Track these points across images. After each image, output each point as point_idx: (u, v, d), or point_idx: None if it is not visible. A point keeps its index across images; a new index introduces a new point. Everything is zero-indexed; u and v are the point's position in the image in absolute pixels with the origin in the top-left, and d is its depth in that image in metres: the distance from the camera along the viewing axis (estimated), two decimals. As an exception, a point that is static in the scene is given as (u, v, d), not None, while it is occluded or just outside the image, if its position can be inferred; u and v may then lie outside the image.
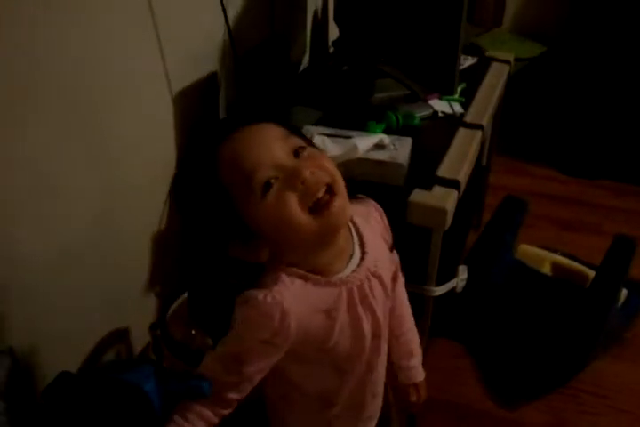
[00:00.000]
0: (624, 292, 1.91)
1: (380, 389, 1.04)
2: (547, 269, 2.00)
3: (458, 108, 1.68)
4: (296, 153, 0.78)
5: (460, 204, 1.36)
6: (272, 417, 1.05)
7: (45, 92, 0.99)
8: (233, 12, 1.50)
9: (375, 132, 1.45)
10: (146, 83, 1.25)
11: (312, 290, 0.83)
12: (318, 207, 0.76)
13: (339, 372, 0.92)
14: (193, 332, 1.31)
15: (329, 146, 1.32)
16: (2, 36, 0.88)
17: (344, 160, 1.31)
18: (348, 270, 0.86)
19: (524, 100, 2.85)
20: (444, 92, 1.66)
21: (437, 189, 1.31)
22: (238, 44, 1.49)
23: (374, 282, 0.89)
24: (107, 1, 1.09)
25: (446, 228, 1.29)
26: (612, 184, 2.83)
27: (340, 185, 0.79)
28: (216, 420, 0.83)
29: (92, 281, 1.19)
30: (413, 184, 1.32)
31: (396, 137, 1.40)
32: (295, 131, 0.84)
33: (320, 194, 0.76)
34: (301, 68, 1.99)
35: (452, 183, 1.33)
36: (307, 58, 2.03)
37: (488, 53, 2.09)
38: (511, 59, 2.06)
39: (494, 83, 1.87)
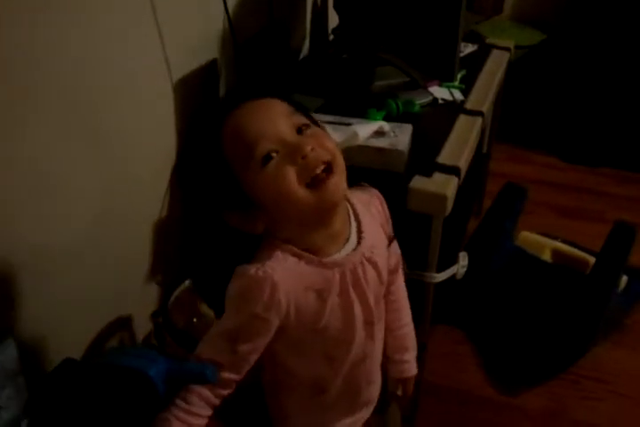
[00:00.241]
0: (624, 278, 1.92)
1: (376, 376, 1.05)
2: (547, 256, 2.01)
3: (458, 95, 1.68)
4: (299, 130, 0.80)
5: (461, 191, 1.36)
6: (270, 403, 1.06)
7: (45, 89, 0.98)
8: (232, 0, 1.50)
9: (375, 119, 1.45)
10: (145, 72, 1.25)
11: (305, 268, 0.84)
12: (315, 182, 0.77)
13: (329, 359, 0.93)
14: (194, 320, 1.32)
15: (329, 133, 1.32)
16: (2, 36, 0.88)
17: (344, 147, 1.31)
18: (342, 254, 0.87)
19: (525, 88, 2.85)
20: (445, 80, 1.66)
21: (438, 176, 1.31)
22: (238, 31, 1.49)
23: (368, 268, 0.90)
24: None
25: (447, 214, 1.30)
26: (613, 172, 2.83)
27: (339, 164, 0.80)
28: (217, 401, 0.84)
29: (95, 273, 1.20)
30: (414, 171, 1.32)
31: (397, 124, 1.39)
32: (301, 108, 0.85)
33: (318, 171, 0.78)
34: (301, 56, 1.98)
35: (452, 170, 1.33)
36: (306, 45, 2.03)
37: (488, 40, 2.09)
38: (511, 46, 2.06)
39: (494, 70, 1.87)
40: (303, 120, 0.82)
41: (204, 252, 1.38)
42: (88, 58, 1.07)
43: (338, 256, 0.87)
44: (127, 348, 0.95)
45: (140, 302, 1.37)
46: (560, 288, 1.85)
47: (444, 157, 1.37)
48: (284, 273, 0.82)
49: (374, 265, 0.90)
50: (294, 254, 0.84)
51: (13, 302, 1.01)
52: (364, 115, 1.47)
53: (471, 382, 1.84)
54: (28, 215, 1.01)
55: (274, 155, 0.77)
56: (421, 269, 1.37)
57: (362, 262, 0.89)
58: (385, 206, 1.00)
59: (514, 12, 3.17)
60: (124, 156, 1.22)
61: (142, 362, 0.76)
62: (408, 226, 1.35)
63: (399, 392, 1.14)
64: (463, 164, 1.37)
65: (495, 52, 1.99)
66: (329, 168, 0.78)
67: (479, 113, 1.59)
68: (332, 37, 1.97)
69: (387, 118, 1.47)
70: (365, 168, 1.32)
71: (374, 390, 1.07)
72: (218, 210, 0.85)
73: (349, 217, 0.90)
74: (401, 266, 1.07)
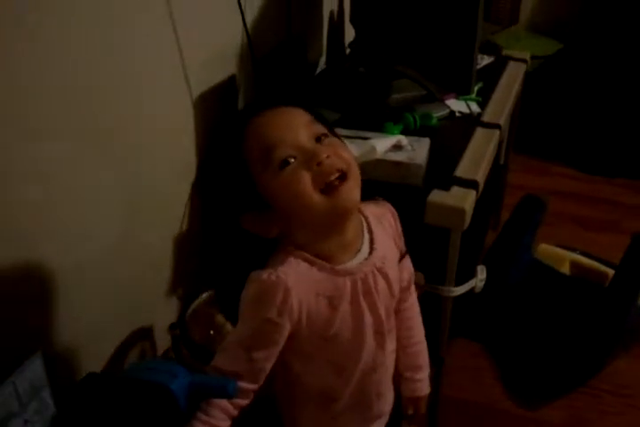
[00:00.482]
0: (644, 291, 1.90)
1: (387, 389, 1.05)
2: (566, 269, 1.99)
3: (475, 108, 1.68)
4: (318, 139, 0.82)
5: (478, 203, 1.36)
6: (283, 414, 1.07)
7: (63, 106, 1.00)
8: (250, 16, 1.51)
9: (393, 133, 1.46)
10: (166, 89, 1.27)
11: (317, 274, 0.85)
12: (329, 189, 0.80)
13: (339, 368, 0.93)
14: (211, 332, 1.32)
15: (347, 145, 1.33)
16: (20, 49, 0.90)
17: (362, 161, 1.31)
18: (354, 263, 0.88)
19: (541, 98, 2.84)
20: (461, 92, 1.66)
21: (456, 190, 1.31)
22: (256, 46, 1.51)
23: (379, 278, 0.90)
24: (127, 8, 1.11)
25: (465, 228, 1.30)
26: (630, 182, 2.81)
27: (354, 173, 0.82)
28: (235, 412, 0.85)
29: (119, 288, 1.22)
30: (432, 185, 1.32)
31: (414, 138, 1.40)
32: (320, 118, 0.87)
33: (332, 177, 0.79)
34: (318, 70, 2.00)
35: (470, 183, 1.33)
36: (323, 59, 2.04)
37: (505, 52, 2.09)
38: (528, 57, 2.06)
39: (511, 82, 1.87)
40: (322, 130, 0.84)
41: (225, 263, 1.39)
42: (109, 75, 1.09)
43: (349, 264, 0.88)
44: (149, 362, 0.95)
45: (162, 314, 1.39)
46: (579, 301, 1.83)
47: (461, 171, 1.38)
48: (297, 278, 0.83)
49: (385, 276, 0.91)
50: (307, 260, 0.85)
51: (42, 317, 1.04)
52: (381, 128, 1.48)
53: (490, 396, 1.83)
54: (55, 231, 1.03)
55: (291, 160, 0.80)
56: (439, 283, 1.37)
57: (373, 272, 0.89)
58: (398, 221, 1.00)
59: (529, 21, 3.17)
60: (146, 170, 1.24)
61: (164, 377, 0.77)
62: (426, 240, 1.35)
63: (410, 411, 1.13)
64: (481, 177, 1.37)
65: (512, 64, 2.00)
66: (343, 176, 0.80)
67: (496, 126, 1.59)
68: (348, 51, 1.98)
69: (404, 132, 1.48)
70: (383, 182, 1.33)
71: (386, 404, 1.07)
72: (235, 213, 0.86)
73: (362, 228, 0.91)
74: (413, 283, 1.07)
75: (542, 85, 2.78)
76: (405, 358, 1.09)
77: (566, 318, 1.85)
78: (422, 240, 1.36)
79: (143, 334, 1.33)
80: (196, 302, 1.35)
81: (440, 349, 1.52)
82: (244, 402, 0.86)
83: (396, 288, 0.95)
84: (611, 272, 1.87)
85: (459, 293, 1.41)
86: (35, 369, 0.88)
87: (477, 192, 1.34)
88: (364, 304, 0.89)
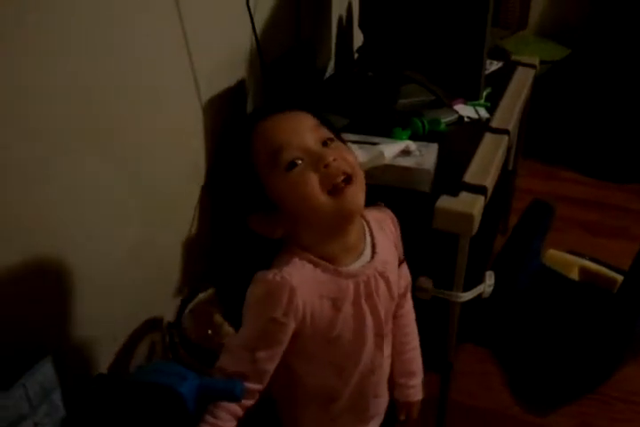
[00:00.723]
0: (653, 297, 1.89)
1: (383, 390, 1.07)
2: (574, 275, 1.99)
3: (483, 113, 1.68)
4: (324, 143, 0.84)
5: (487, 208, 1.36)
6: (282, 415, 1.08)
7: (64, 107, 1.00)
8: (260, 21, 1.52)
9: (401, 138, 1.46)
10: (175, 94, 1.28)
11: (321, 276, 0.87)
12: (335, 190, 0.82)
13: (339, 369, 0.95)
14: (209, 332, 1.33)
15: (355, 153, 1.33)
16: (20, 49, 0.90)
17: (370, 167, 1.32)
18: (356, 265, 0.90)
19: (550, 103, 2.83)
20: (470, 98, 1.66)
21: (464, 195, 1.31)
22: (265, 51, 1.51)
23: (380, 282, 0.93)
24: (138, 11, 1.11)
25: (473, 234, 1.30)
26: (639, 187, 2.80)
27: (359, 177, 0.84)
28: (241, 412, 0.87)
29: (129, 289, 1.23)
30: (440, 190, 1.32)
31: (423, 143, 1.40)
32: (326, 123, 0.89)
33: (339, 179, 0.81)
34: (327, 75, 2.00)
35: (478, 189, 1.33)
36: (332, 64, 2.05)
37: (514, 58, 2.09)
38: (536, 63, 2.06)
39: (520, 87, 1.87)
40: (328, 134, 0.86)
41: (230, 262, 1.40)
42: (120, 82, 1.10)
43: (352, 267, 0.90)
44: (159, 364, 0.96)
45: (170, 317, 1.39)
46: (588, 307, 1.83)
47: (470, 177, 1.37)
48: (301, 279, 0.85)
49: (386, 280, 0.94)
50: (311, 262, 0.87)
51: (54, 318, 1.05)
52: (389, 134, 1.48)
53: (498, 402, 1.82)
54: (70, 232, 1.04)
55: (298, 162, 0.82)
56: (448, 289, 1.37)
57: (375, 276, 0.91)
58: (398, 228, 1.02)
59: (538, 26, 3.17)
60: (156, 176, 1.25)
61: (174, 379, 0.78)
62: (434, 245, 1.35)
63: (403, 417, 1.15)
64: (489, 183, 1.37)
65: (520, 70, 1.99)
66: (348, 179, 0.82)
67: (505, 131, 1.59)
68: (357, 56, 1.98)
69: (412, 137, 1.48)
70: (391, 187, 1.33)
71: (382, 404, 1.09)
72: (242, 214, 0.88)
73: (365, 232, 0.93)
74: (410, 292, 1.09)
75: (551, 90, 2.77)
76: (400, 365, 1.11)
77: (575, 324, 1.84)
78: (430, 245, 1.36)
79: (153, 324, 1.34)
80: (194, 302, 1.36)
81: (448, 354, 1.51)
82: (249, 402, 0.88)
83: (396, 291, 0.97)
84: (620, 278, 1.86)
85: (467, 298, 1.40)
86: (45, 372, 0.88)
87: (486, 198, 1.34)
88: (365, 307, 0.91)
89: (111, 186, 1.12)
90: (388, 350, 1.01)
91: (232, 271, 1.35)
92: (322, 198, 0.81)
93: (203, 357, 1.22)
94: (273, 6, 1.60)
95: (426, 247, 1.38)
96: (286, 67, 1.61)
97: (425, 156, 1.36)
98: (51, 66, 0.94)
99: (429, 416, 1.57)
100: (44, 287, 1.01)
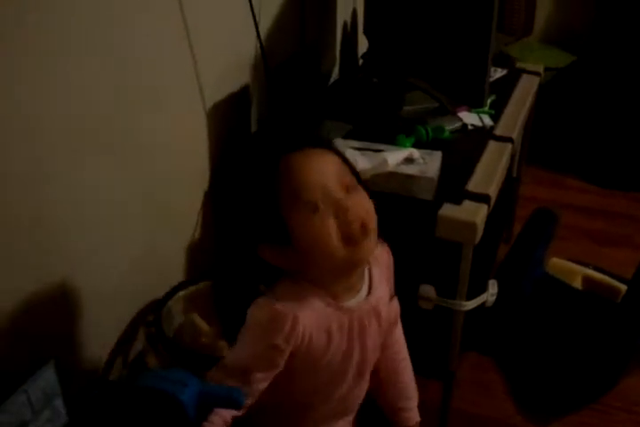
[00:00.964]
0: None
1: (362, 396, 1.07)
2: (578, 283, 1.97)
3: (488, 121, 1.67)
4: (347, 189, 0.86)
5: (491, 216, 1.35)
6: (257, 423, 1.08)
7: (64, 107, 1.00)
8: (264, 26, 1.52)
9: (405, 145, 1.45)
10: (180, 99, 1.28)
11: (322, 309, 0.90)
12: (351, 241, 0.84)
13: (317, 392, 0.98)
14: (203, 340, 1.32)
15: (359, 160, 1.32)
16: (20, 49, 0.90)
17: (374, 174, 1.31)
18: (353, 302, 0.93)
19: (554, 110, 2.82)
20: (474, 105, 1.65)
21: (467, 204, 1.31)
22: (270, 57, 1.51)
23: (373, 318, 0.96)
24: (143, 14, 1.11)
25: (476, 242, 1.29)
26: (644, 196, 2.79)
27: (373, 223, 0.86)
28: (230, 421, 0.89)
29: (132, 294, 1.25)
30: (443, 198, 1.32)
31: (426, 151, 1.39)
32: (347, 162, 0.91)
33: (355, 229, 0.83)
34: (331, 81, 2.00)
35: (482, 198, 1.33)
36: (336, 70, 2.05)
37: (518, 65, 2.09)
38: (541, 70, 2.05)
39: (524, 95, 1.86)
40: (351, 180, 0.88)
41: (230, 269, 1.41)
42: (120, 82, 1.10)
43: (350, 303, 0.93)
44: (161, 371, 0.95)
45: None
46: (591, 316, 1.82)
47: (473, 185, 1.37)
48: (304, 310, 0.88)
49: (378, 315, 0.97)
50: (315, 294, 0.89)
51: (57, 325, 1.05)
52: (393, 141, 1.48)
53: (501, 410, 1.80)
54: (75, 241, 1.05)
55: (320, 206, 0.83)
56: (451, 297, 1.36)
57: (369, 312, 0.95)
58: (392, 263, 1.04)
59: (543, 33, 3.16)
60: (162, 175, 1.26)
61: (175, 386, 0.77)
62: (437, 253, 1.35)
63: None
64: (493, 191, 1.36)
65: (525, 77, 1.99)
66: (365, 229, 0.84)
67: (509, 139, 1.58)
68: (361, 62, 1.98)
69: (416, 144, 1.47)
70: (394, 195, 1.32)
71: (358, 402, 1.10)
72: (253, 241, 0.89)
73: (364, 270, 0.96)
74: (399, 320, 1.11)
75: (555, 97, 2.77)
76: (396, 391, 1.13)
77: (578, 333, 1.83)
78: (433, 254, 1.35)
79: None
80: (174, 299, 1.35)
81: (451, 363, 1.50)
82: (239, 413, 0.89)
83: (385, 327, 1.01)
84: (623, 288, 1.85)
85: (470, 307, 1.39)
86: (48, 378, 0.89)
87: (489, 206, 1.33)
88: (356, 342, 0.95)
89: (112, 186, 1.13)
90: (367, 375, 1.03)
91: (232, 281, 1.36)
92: (337, 246, 0.83)
93: (177, 352, 1.23)
94: (278, 11, 1.60)
95: (429, 256, 1.37)
96: (290, 72, 1.61)
97: (429, 163, 1.35)
98: (51, 66, 0.94)
99: (432, 424, 1.56)
100: (46, 295, 1.00)
